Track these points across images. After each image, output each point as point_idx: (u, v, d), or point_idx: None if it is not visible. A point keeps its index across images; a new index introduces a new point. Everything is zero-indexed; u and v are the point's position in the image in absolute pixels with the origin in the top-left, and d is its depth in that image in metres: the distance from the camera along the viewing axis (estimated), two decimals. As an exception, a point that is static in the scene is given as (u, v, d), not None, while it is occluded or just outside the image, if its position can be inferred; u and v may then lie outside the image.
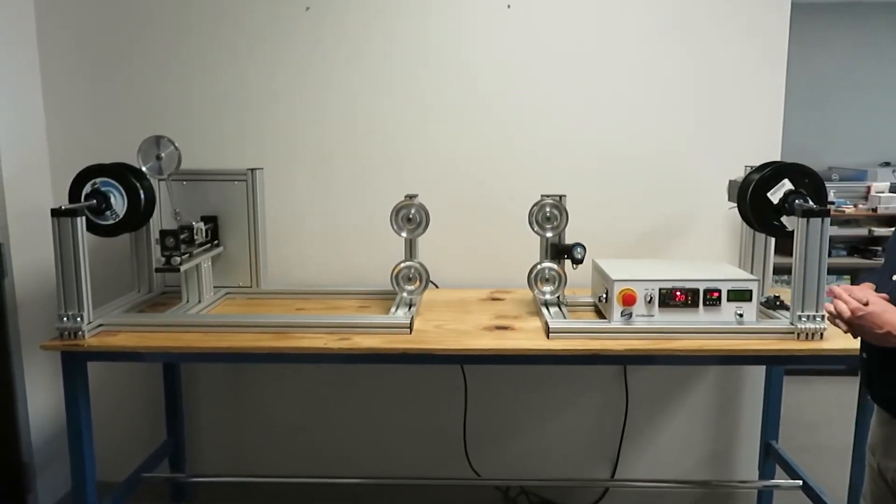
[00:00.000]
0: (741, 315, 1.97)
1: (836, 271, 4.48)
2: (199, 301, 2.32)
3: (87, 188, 2.15)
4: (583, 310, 2.29)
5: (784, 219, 2.08)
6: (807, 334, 1.92)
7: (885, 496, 1.53)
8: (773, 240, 2.30)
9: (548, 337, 1.98)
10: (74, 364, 1.98)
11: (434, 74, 2.56)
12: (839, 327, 1.50)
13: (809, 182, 2.08)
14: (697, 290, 1.97)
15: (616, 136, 2.57)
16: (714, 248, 2.60)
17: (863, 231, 4.70)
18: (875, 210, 4.68)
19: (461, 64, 2.56)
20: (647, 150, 2.57)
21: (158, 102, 2.60)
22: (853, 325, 1.45)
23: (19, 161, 2.47)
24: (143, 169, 2.18)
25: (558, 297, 2.23)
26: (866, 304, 1.43)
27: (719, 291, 1.97)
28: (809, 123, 5.58)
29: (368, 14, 2.54)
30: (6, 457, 2.48)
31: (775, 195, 2.08)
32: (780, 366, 2.57)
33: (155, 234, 2.28)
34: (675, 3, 2.51)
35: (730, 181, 2.35)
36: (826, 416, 3.79)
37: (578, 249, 2.20)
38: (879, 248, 4.60)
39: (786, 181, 2.07)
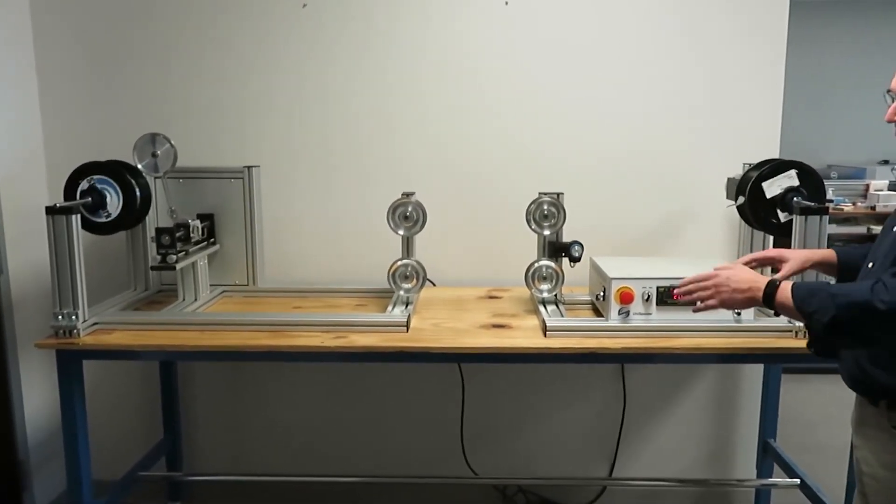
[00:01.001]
0: (739, 313, 1.97)
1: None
2: (196, 299, 2.31)
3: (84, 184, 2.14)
4: (580, 308, 2.28)
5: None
6: (805, 332, 1.92)
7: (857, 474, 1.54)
8: (771, 237, 2.30)
9: (545, 335, 1.97)
10: (69, 362, 1.97)
11: (432, 71, 2.55)
12: (705, 307, 1.63)
13: (808, 179, 2.07)
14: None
15: (615, 134, 2.57)
16: (712, 246, 2.59)
17: (861, 229, 4.69)
18: (874, 208, 4.67)
19: (459, 61, 2.55)
20: (646, 148, 2.57)
21: (154, 100, 2.59)
22: (718, 296, 1.59)
23: (15, 159, 2.46)
24: (139, 166, 2.18)
25: (556, 296, 2.22)
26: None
27: (717, 290, 1.96)
28: (808, 121, 5.58)
29: (366, 10, 2.53)
30: (2, 456, 2.47)
31: (771, 188, 2.07)
32: (778, 364, 2.57)
33: (151, 232, 2.27)
34: (675, 1, 2.50)
35: (728, 179, 2.35)
36: (824, 414, 3.79)
37: (576, 247, 2.19)
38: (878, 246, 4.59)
39: (790, 174, 2.06)
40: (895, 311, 1.28)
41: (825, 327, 1.36)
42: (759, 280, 1.54)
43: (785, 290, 1.47)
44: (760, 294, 1.51)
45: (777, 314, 1.55)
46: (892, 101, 1.48)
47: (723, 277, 1.59)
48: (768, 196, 2.08)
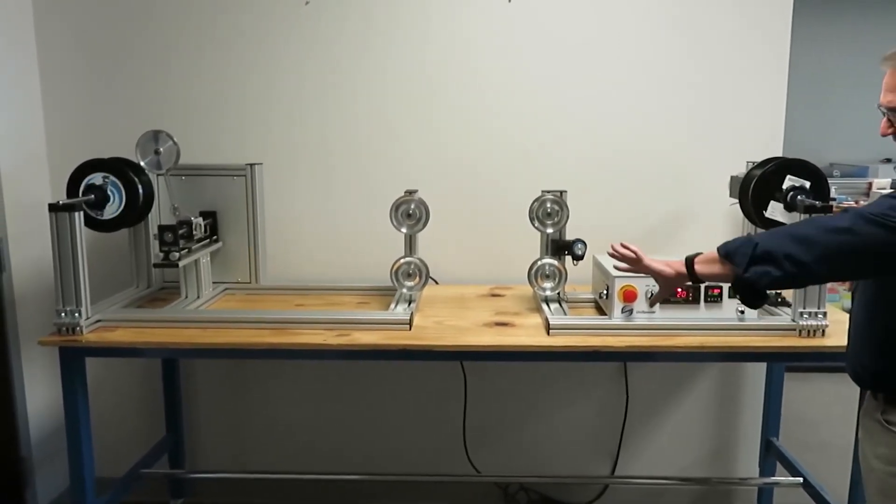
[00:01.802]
0: (742, 312, 1.96)
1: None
2: (198, 297, 2.31)
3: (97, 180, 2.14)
4: (583, 306, 2.28)
5: (771, 213, 2.07)
6: (808, 331, 1.92)
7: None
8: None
9: (548, 333, 1.97)
10: (72, 359, 1.97)
11: (434, 69, 2.55)
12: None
13: (811, 178, 2.07)
14: (698, 287, 1.96)
15: (617, 132, 2.56)
16: (715, 244, 2.56)
17: (864, 227, 4.67)
18: (876, 206, 4.65)
19: (461, 59, 2.54)
20: (649, 146, 2.56)
21: (157, 98, 2.58)
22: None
23: (18, 157, 2.46)
24: (142, 164, 2.17)
25: (559, 294, 2.22)
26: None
27: (720, 288, 1.96)
28: (811, 119, 5.57)
29: (368, 8, 2.52)
30: (4, 452, 2.48)
31: (775, 214, 2.08)
32: (782, 363, 2.56)
33: (153, 230, 2.27)
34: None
35: (731, 177, 2.34)
36: (827, 413, 3.78)
37: (579, 245, 2.19)
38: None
39: (806, 184, 2.06)
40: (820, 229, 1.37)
41: (750, 259, 1.42)
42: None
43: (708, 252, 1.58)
44: (683, 265, 1.61)
45: (701, 281, 1.63)
46: (884, 116, 1.48)
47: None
48: (788, 217, 2.07)
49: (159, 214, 2.37)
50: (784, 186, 2.07)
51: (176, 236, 2.11)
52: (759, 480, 2.69)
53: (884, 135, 1.50)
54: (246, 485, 2.78)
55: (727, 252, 1.50)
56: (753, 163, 2.24)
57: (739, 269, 1.44)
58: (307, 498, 2.76)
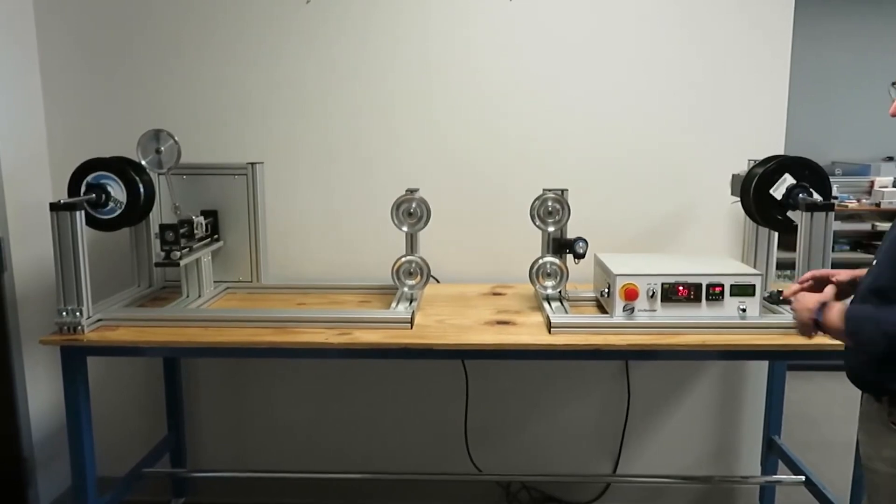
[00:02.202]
0: (744, 310, 1.96)
1: (838, 266, 4.46)
2: (200, 296, 2.31)
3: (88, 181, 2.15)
4: (585, 305, 2.27)
5: (791, 213, 2.07)
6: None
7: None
8: (776, 234, 2.29)
9: (549, 332, 1.97)
10: (74, 359, 1.97)
11: (436, 67, 2.55)
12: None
13: (813, 176, 2.06)
14: (700, 285, 1.96)
15: (619, 131, 2.56)
16: (717, 243, 2.59)
17: (866, 226, 4.69)
18: (878, 205, 4.66)
19: (462, 58, 2.54)
20: (650, 144, 2.56)
21: (158, 97, 2.58)
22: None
23: (19, 156, 2.46)
24: (143, 163, 2.17)
25: (560, 292, 2.22)
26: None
27: (722, 286, 1.96)
28: (813, 117, 5.57)
29: (368, 8, 2.52)
30: (6, 452, 2.48)
31: (777, 191, 2.07)
32: (783, 361, 2.56)
33: (155, 229, 2.27)
34: (678, -4, 2.49)
35: (733, 175, 2.34)
36: (829, 411, 3.79)
37: (580, 244, 2.18)
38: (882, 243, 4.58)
39: (787, 175, 2.06)
40: None
41: (879, 361, 1.36)
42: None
43: (833, 313, 1.43)
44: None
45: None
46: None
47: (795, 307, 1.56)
48: (778, 198, 2.07)
49: (160, 213, 2.37)
50: (778, 197, 2.07)
51: (177, 235, 2.11)
52: (760, 479, 2.69)
53: (894, 115, 1.48)
54: (247, 484, 2.78)
55: (856, 343, 1.41)
56: (755, 161, 2.23)
57: (873, 362, 1.40)
58: (308, 497, 2.76)
